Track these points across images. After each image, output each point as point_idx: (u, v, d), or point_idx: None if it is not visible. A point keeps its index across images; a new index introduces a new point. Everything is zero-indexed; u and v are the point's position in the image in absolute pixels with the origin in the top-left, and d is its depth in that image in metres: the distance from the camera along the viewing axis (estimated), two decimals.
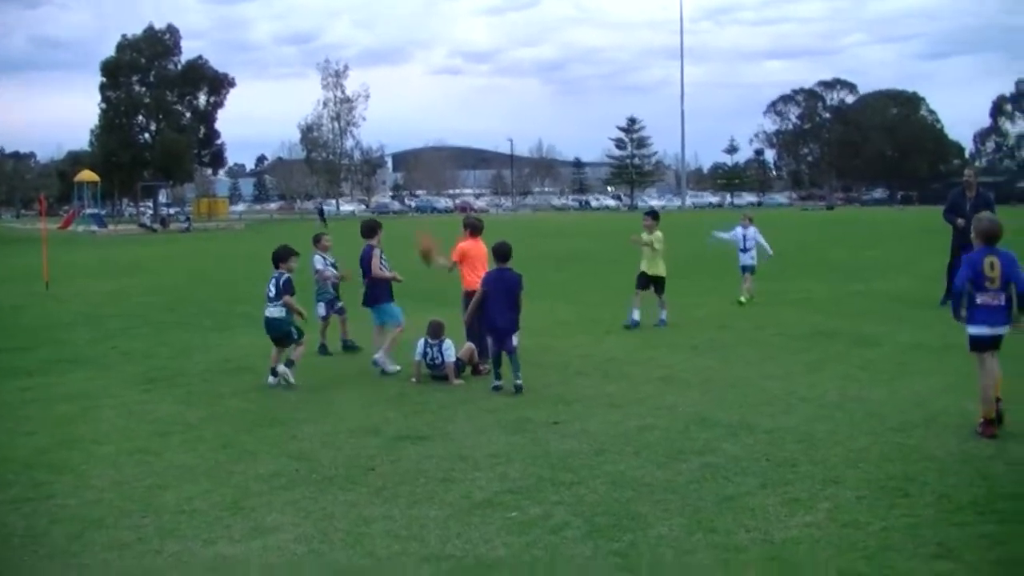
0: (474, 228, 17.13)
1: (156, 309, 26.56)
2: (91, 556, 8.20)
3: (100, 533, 8.78)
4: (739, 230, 25.97)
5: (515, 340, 14.90)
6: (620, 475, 10.17)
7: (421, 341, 15.60)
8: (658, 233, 21.67)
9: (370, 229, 17.39)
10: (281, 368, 15.31)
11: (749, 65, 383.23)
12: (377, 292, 16.95)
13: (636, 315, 21.18)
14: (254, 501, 9.59)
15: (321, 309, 19.01)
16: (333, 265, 19.33)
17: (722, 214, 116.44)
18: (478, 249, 16.93)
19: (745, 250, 25.72)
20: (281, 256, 15.89)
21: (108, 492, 10.01)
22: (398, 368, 16.18)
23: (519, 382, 14.50)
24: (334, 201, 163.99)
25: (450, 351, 15.49)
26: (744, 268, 25.74)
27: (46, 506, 9.61)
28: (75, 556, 8.21)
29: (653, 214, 22.56)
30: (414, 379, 15.47)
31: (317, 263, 19.15)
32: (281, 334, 15.57)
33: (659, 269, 21.72)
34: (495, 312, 14.75)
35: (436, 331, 15.59)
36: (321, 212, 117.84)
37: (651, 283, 21.71)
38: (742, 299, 24.78)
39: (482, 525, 8.73)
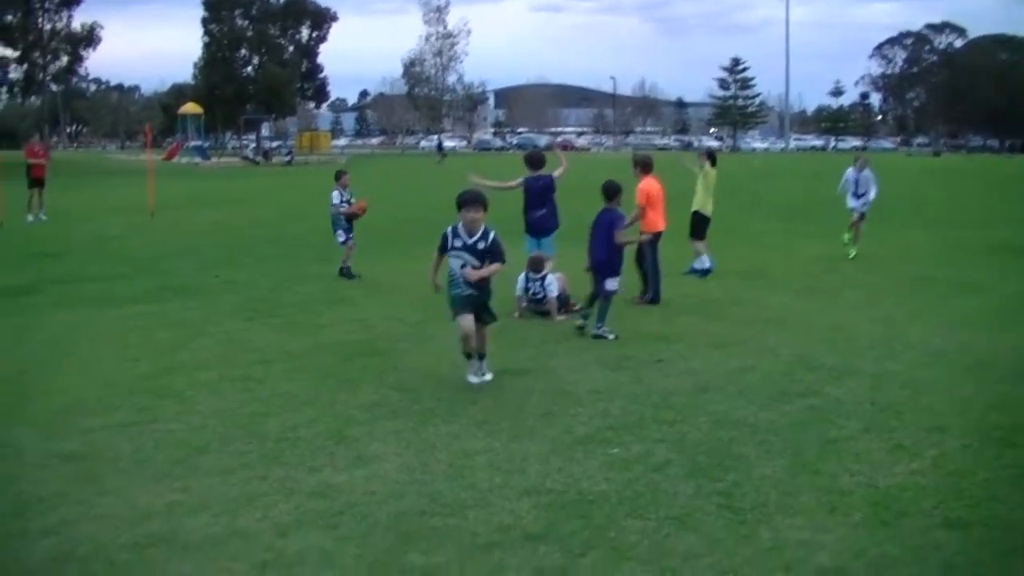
0: (645, 165, 16.93)
1: (257, 241, 26.75)
2: (196, 480, 8.29)
3: (205, 458, 8.88)
4: (851, 172, 24.05)
5: (611, 284, 14.34)
6: (723, 415, 10.11)
7: (522, 276, 15.53)
8: (708, 168, 20.52)
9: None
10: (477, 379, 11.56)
11: (856, 6, 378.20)
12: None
13: (706, 262, 20.28)
14: (357, 430, 9.64)
15: (340, 236, 20.63)
16: (347, 201, 20.79)
17: (825, 157, 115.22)
18: (657, 188, 16.75)
19: (858, 195, 23.71)
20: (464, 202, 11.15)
21: (211, 418, 10.12)
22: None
23: (597, 330, 14.03)
24: (435, 137, 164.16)
25: (552, 286, 15.42)
26: (855, 213, 23.66)
27: (151, 430, 9.73)
28: (180, 480, 8.30)
29: (707, 153, 21.27)
30: (516, 314, 15.39)
31: (334, 198, 20.75)
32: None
33: (697, 204, 20.48)
34: (594, 251, 14.45)
35: (537, 266, 15.50)
36: (440, 146, 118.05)
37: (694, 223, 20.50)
38: (851, 252, 22.87)
39: (584, 460, 8.70)
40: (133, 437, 9.50)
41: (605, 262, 14.31)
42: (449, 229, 11.21)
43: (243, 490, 8.04)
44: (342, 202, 20.69)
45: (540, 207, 16.81)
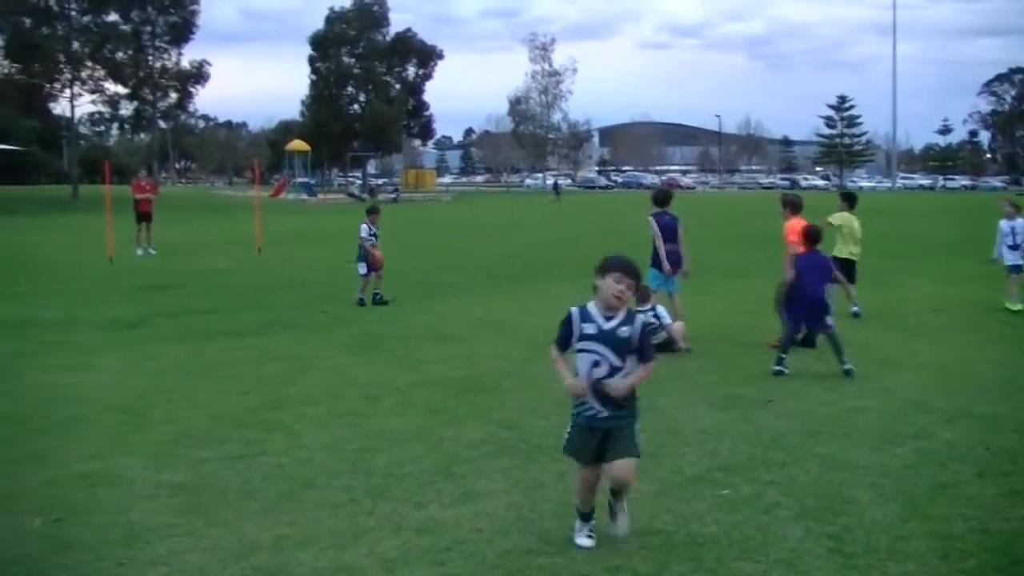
0: (795, 206, 16.75)
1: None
2: (303, 514, 8.32)
3: (312, 492, 8.91)
4: (1004, 223, 21.50)
5: (831, 320, 14.53)
6: (832, 457, 9.97)
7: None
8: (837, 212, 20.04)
9: (819, 236, 16.09)
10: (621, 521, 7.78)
11: (962, 43, 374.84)
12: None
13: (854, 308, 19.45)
14: (464, 467, 9.62)
15: (362, 268, 21.86)
16: (374, 235, 22.32)
17: (933, 197, 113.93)
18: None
19: (1015, 247, 21.12)
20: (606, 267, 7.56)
21: (319, 452, 10.17)
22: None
23: (848, 366, 13.98)
24: (540, 175, 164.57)
25: (666, 316, 15.35)
26: (1015, 268, 21.11)
27: (259, 463, 9.81)
28: (287, 513, 8.34)
29: (842, 195, 21.03)
30: None
31: (363, 231, 22.22)
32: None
33: (838, 251, 19.72)
34: (815, 293, 14.40)
35: (644, 296, 15.33)
36: (556, 186, 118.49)
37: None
38: (1016, 307, 20.41)
39: (693, 501, 8.62)
40: (241, 469, 9.58)
41: (822, 302, 14.41)
42: (575, 311, 7.59)
43: (350, 525, 8.06)
44: (370, 235, 22.10)
45: (669, 241, 16.83)
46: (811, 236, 14.81)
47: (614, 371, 7.41)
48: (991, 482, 9.19)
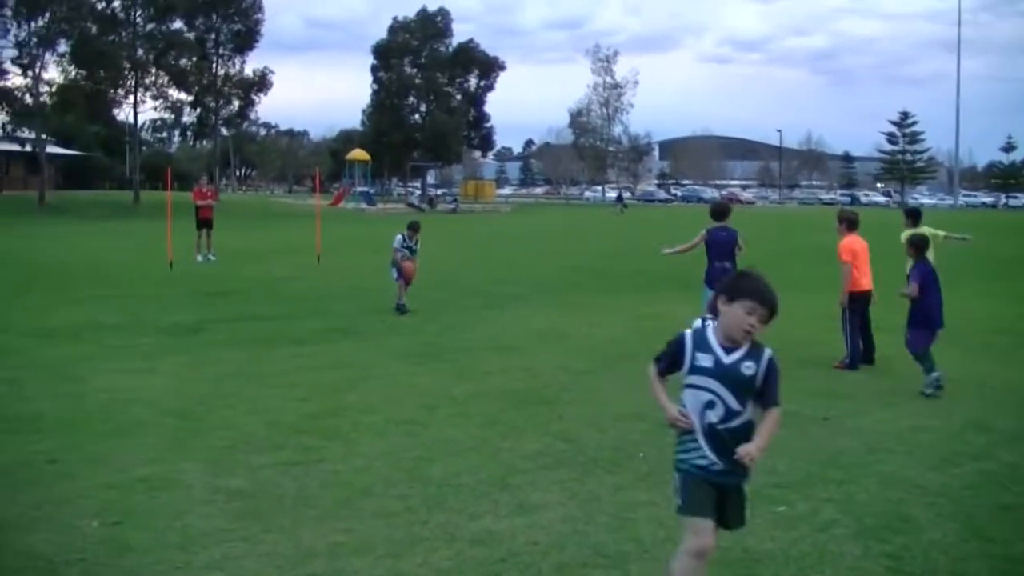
0: (851, 223, 16.44)
1: (422, 286, 26.90)
2: (359, 521, 8.34)
3: (368, 500, 8.93)
4: None
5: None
6: (891, 475, 9.89)
7: (698, 321, 15.23)
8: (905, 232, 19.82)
9: (724, 211, 16.33)
10: None
11: None
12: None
13: None
14: (520, 479, 9.60)
15: (394, 274, 22.07)
16: (409, 248, 22.22)
17: (997, 215, 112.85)
18: (862, 245, 16.32)
19: None
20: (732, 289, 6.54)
21: (376, 460, 10.19)
22: None
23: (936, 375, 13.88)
24: (600, 188, 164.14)
25: None
26: None
27: (316, 470, 9.84)
28: (344, 520, 8.36)
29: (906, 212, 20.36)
30: None
31: (396, 241, 22.20)
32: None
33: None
34: (939, 304, 14.27)
35: (714, 310, 15.16)
36: (620, 197, 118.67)
37: None
38: None
39: (749, 518, 8.55)
40: (299, 476, 9.62)
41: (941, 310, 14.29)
42: (688, 334, 6.36)
43: (405, 534, 8.07)
44: (403, 247, 22.04)
45: (725, 258, 16.52)
46: (921, 244, 14.60)
47: (730, 415, 6.01)
48: None
